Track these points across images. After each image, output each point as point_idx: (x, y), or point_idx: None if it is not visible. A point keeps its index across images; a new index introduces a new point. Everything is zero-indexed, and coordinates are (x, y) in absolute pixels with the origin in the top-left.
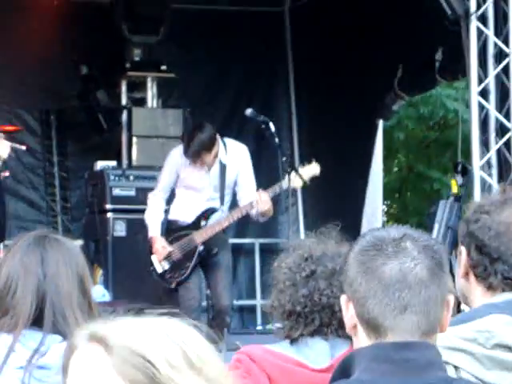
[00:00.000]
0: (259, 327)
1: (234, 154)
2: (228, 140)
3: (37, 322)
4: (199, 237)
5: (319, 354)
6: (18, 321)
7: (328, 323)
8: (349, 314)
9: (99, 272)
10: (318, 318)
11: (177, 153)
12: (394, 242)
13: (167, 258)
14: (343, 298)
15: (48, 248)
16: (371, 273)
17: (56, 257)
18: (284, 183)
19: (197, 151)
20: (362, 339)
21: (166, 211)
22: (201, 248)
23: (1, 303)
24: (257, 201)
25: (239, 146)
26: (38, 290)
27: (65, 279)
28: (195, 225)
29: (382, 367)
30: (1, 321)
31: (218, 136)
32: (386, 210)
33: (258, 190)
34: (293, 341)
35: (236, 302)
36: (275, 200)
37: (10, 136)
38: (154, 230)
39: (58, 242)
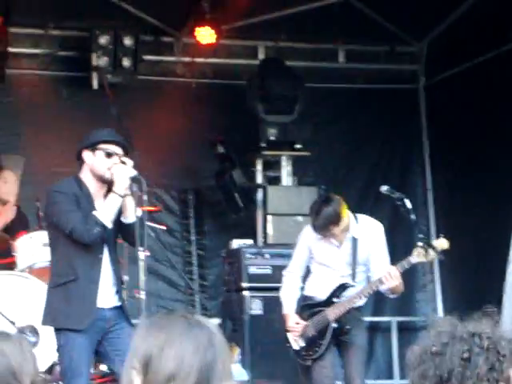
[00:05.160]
0: None
1: (367, 231)
2: (361, 216)
3: None
4: (332, 314)
5: None
6: None
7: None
8: None
9: (236, 351)
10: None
11: (309, 229)
12: None
13: (302, 335)
14: None
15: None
16: None
17: (186, 339)
18: (412, 258)
19: (324, 224)
20: None
21: (302, 288)
22: (334, 325)
23: None
24: (386, 276)
25: (373, 222)
26: (170, 373)
27: (191, 360)
28: (328, 302)
29: None
30: None
31: (347, 211)
32: None
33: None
34: None
35: (374, 382)
36: (412, 277)
37: (150, 216)
38: (288, 307)
39: (194, 323)
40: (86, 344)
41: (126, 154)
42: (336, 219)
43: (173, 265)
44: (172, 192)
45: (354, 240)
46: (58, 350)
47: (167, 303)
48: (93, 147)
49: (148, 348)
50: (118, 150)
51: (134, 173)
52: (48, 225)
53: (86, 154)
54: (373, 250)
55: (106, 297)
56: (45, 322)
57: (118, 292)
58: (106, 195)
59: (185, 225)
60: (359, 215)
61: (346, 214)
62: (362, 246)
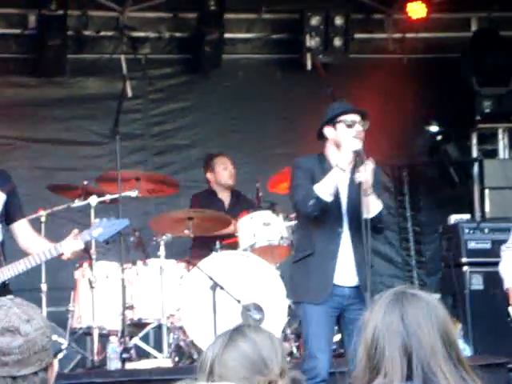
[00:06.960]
0: None
1: None
2: None
3: (408, 380)
4: None
5: None
6: (392, 382)
7: None
8: None
9: (458, 326)
10: None
11: None
12: None
13: None
14: None
15: (406, 304)
16: None
17: (415, 312)
18: None
19: None
20: None
21: None
22: None
23: (371, 364)
24: None
25: None
26: (403, 347)
27: (426, 334)
28: None
29: None
30: (375, 382)
31: None
32: None
33: None
34: None
35: None
36: None
37: None
38: (510, 281)
39: (415, 297)
40: (323, 318)
41: (364, 118)
42: None
43: (389, 241)
44: (386, 169)
45: None
46: (299, 323)
47: (385, 280)
48: (333, 121)
49: (374, 324)
50: (357, 117)
51: (358, 146)
52: None
53: (327, 130)
54: None
55: (347, 274)
56: (289, 296)
57: (360, 272)
58: (353, 169)
59: (400, 201)
60: None
61: None
62: None
